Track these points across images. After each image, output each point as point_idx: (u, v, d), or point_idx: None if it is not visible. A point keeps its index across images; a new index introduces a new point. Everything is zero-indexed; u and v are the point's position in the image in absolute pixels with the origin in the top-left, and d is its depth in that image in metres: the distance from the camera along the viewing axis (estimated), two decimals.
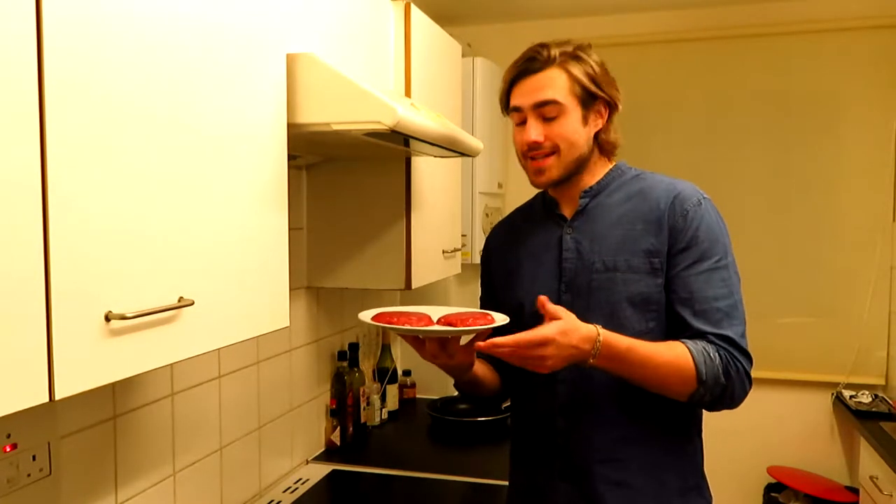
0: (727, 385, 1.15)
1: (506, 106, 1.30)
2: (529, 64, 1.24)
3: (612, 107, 1.27)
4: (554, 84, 1.22)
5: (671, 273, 1.21)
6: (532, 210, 1.40)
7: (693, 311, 1.19)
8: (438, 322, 1.17)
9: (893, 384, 2.81)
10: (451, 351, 1.18)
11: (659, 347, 1.15)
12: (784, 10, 2.88)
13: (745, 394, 1.19)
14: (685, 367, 1.13)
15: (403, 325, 1.14)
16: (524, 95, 1.24)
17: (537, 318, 1.12)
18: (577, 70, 1.23)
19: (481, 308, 1.40)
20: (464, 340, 1.19)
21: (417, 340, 1.19)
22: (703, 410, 1.30)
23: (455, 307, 1.28)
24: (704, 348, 1.15)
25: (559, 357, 1.08)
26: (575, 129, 1.23)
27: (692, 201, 1.23)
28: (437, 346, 1.17)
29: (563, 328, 1.08)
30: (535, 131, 1.23)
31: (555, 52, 1.23)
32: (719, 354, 1.15)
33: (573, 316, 1.11)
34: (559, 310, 1.10)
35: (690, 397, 1.16)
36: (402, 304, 2.85)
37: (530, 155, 1.26)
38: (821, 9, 2.85)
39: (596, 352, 1.09)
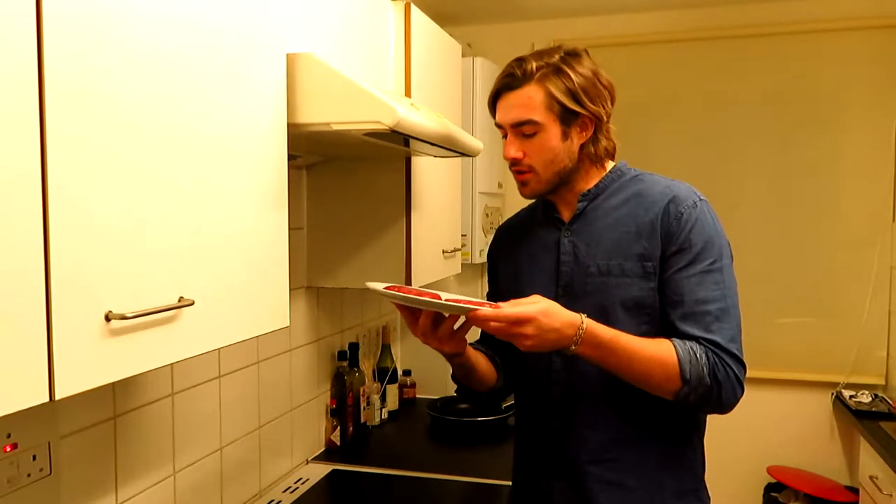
0: (712, 386, 1.13)
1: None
2: (508, 80, 1.22)
3: (598, 120, 1.23)
4: (530, 103, 1.20)
5: (664, 276, 1.19)
6: (536, 211, 1.40)
7: (682, 314, 1.17)
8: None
9: (893, 384, 2.81)
10: (441, 334, 1.18)
11: (644, 342, 1.14)
12: (784, 10, 2.88)
13: (736, 399, 1.16)
14: (669, 362, 1.12)
15: (402, 293, 1.13)
16: (503, 112, 1.24)
17: None
18: (556, 86, 1.19)
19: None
20: (457, 325, 1.19)
21: (412, 315, 1.19)
22: (706, 415, 1.29)
23: (460, 295, 1.26)
24: (692, 348, 1.14)
25: (541, 338, 1.08)
26: (553, 147, 1.22)
27: (687, 203, 1.20)
28: (428, 324, 1.17)
29: (546, 309, 1.08)
30: (513, 148, 1.23)
31: (532, 66, 1.20)
32: (706, 355, 1.13)
33: (555, 303, 1.12)
34: (536, 297, 1.11)
35: (676, 395, 1.14)
36: None
37: (513, 169, 1.27)
38: (821, 9, 2.85)
39: (578, 338, 1.09)
